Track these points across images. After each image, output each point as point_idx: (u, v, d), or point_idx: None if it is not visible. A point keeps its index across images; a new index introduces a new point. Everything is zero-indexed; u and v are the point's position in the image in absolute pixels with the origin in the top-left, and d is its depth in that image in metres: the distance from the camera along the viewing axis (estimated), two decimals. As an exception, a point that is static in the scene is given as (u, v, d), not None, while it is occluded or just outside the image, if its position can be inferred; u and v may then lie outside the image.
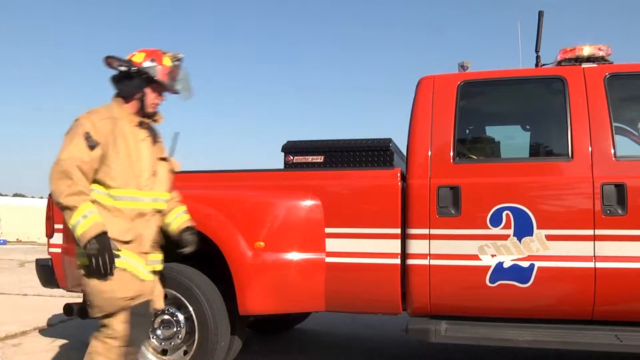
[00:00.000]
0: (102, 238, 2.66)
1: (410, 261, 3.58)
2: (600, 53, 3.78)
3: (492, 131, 4.30)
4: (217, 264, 3.72)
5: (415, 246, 3.57)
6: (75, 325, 5.77)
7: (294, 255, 3.68)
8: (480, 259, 3.51)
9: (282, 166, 4.12)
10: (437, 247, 3.55)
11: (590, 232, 3.40)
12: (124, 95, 2.96)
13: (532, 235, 3.46)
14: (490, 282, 3.51)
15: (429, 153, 3.65)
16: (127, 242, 2.82)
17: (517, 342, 3.42)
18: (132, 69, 2.91)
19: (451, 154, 3.65)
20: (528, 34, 4.15)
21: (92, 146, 2.72)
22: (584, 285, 3.39)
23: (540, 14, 4.04)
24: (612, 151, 3.48)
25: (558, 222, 3.45)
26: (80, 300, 4.39)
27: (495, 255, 3.50)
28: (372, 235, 3.64)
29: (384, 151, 3.91)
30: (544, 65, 4.06)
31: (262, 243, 3.67)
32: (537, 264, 3.44)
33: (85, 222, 2.65)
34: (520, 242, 3.47)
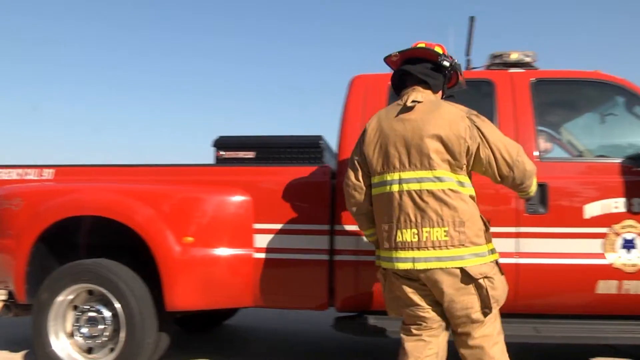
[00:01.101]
0: None
1: (338, 257, 3.62)
2: (527, 59, 3.92)
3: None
4: (145, 259, 3.66)
5: (343, 242, 3.61)
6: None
7: (223, 251, 3.66)
8: None
9: (213, 161, 4.08)
10: (364, 244, 3.57)
11: (513, 229, 3.52)
12: (436, 88, 2.90)
13: None
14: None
15: None
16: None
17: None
18: (453, 64, 2.92)
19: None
20: (461, 38, 4.25)
21: None
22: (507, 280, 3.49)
23: (472, 19, 4.15)
24: (536, 152, 3.60)
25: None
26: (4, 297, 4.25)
27: None
28: (300, 232, 3.66)
29: (314, 148, 3.92)
30: (474, 68, 4.16)
31: (190, 238, 3.64)
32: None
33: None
34: None
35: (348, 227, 3.60)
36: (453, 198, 2.64)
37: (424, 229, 2.65)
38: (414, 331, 2.78)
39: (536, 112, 3.68)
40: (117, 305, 3.66)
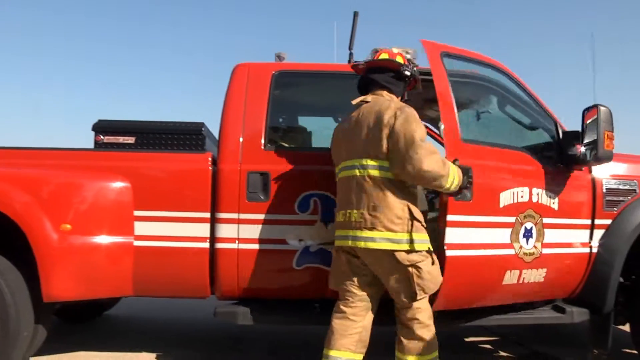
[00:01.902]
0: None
1: (218, 245, 3.61)
2: (408, 55, 4.05)
3: (310, 122, 4.47)
4: (20, 247, 3.52)
5: (224, 230, 3.61)
6: None
7: (102, 239, 3.55)
8: (287, 243, 3.63)
9: (92, 146, 3.98)
10: (245, 232, 3.61)
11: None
12: (397, 93, 3.29)
13: None
14: (297, 265, 3.64)
15: (241, 139, 3.70)
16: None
17: (321, 321, 3.56)
18: (413, 71, 3.31)
19: (262, 140, 3.71)
20: (346, 32, 4.36)
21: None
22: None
23: (355, 14, 4.27)
24: None
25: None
26: None
27: (302, 240, 3.63)
28: (181, 219, 3.62)
29: (195, 135, 3.90)
30: (356, 62, 4.28)
31: (68, 226, 3.51)
32: None
33: (455, 174, 3.03)
34: (326, 227, 3.63)
35: (229, 215, 3.61)
36: (370, 184, 3.00)
37: (348, 211, 3.07)
38: (342, 307, 3.13)
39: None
40: (-10, 297, 3.49)
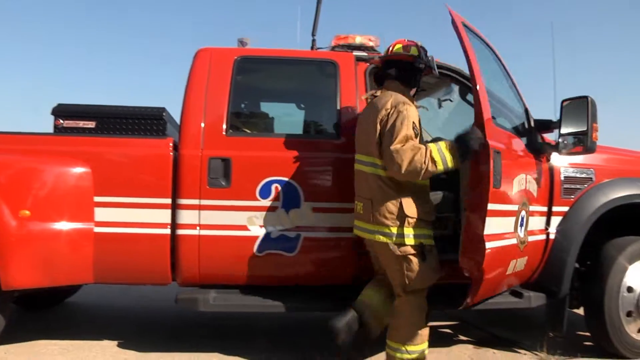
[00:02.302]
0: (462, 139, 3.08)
1: (180, 231, 3.60)
2: (370, 43, 4.11)
3: (272, 108, 4.47)
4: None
5: (185, 216, 3.60)
6: None
7: (62, 225, 3.52)
8: (248, 230, 3.64)
9: (51, 130, 3.91)
10: (207, 218, 3.61)
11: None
12: (412, 85, 3.38)
13: (299, 207, 3.65)
14: (257, 251, 3.65)
15: (202, 124, 3.68)
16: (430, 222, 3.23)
17: (281, 307, 3.60)
18: (427, 62, 3.36)
19: (224, 126, 3.70)
20: (309, 18, 4.38)
21: (416, 135, 3.06)
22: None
23: (319, 0, 4.29)
24: None
25: (325, 196, 3.68)
26: None
27: (263, 226, 3.64)
28: (142, 205, 3.60)
29: (157, 120, 3.86)
30: (319, 48, 4.30)
31: (27, 212, 3.48)
32: (304, 234, 3.65)
33: (444, 152, 3.04)
34: (288, 213, 3.65)
35: (190, 201, 3.60)
36: (366, 179, 3.20)
37: (356, 202, 3.33)
38: (377, 279, 3.48)
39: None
40: (-52, 286, 3.42)
